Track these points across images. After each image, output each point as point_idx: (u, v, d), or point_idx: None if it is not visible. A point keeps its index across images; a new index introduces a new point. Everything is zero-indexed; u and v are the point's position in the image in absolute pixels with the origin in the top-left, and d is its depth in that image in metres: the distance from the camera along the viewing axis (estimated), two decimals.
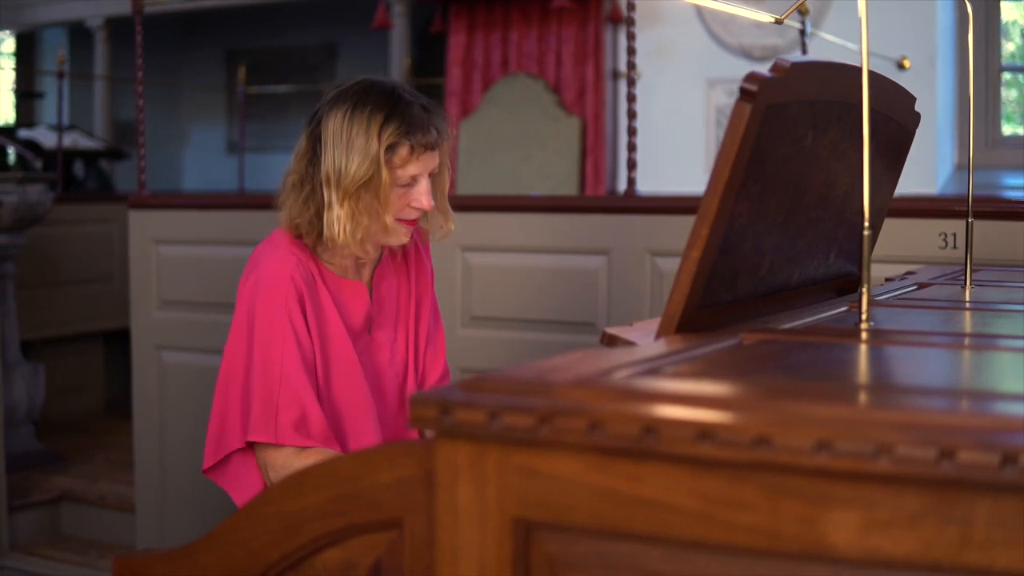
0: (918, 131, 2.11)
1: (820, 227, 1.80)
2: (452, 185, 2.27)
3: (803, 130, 1.59)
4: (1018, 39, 6.38)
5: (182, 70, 9.74)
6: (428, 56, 7.62)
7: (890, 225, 2.40)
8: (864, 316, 1.55)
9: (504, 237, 3.64)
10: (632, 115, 3.67)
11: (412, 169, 2.12)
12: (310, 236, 2.16)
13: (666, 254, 3.41)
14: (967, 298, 2.03)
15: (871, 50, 1.60)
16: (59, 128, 6.83)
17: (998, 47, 6.05)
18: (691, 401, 1.06)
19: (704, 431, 1.01)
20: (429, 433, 1.15)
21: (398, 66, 7.06)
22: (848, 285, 1.99)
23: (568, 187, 6.31)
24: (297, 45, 9.25)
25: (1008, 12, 6.23)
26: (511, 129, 6.43)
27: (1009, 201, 3.87)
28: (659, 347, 1.38)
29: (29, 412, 5.02)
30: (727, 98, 6.12)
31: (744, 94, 1.41)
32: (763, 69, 1.45)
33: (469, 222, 3.45)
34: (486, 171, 6.41)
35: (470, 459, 1.12)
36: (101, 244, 6.14)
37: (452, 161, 2.25)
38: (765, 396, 1.09)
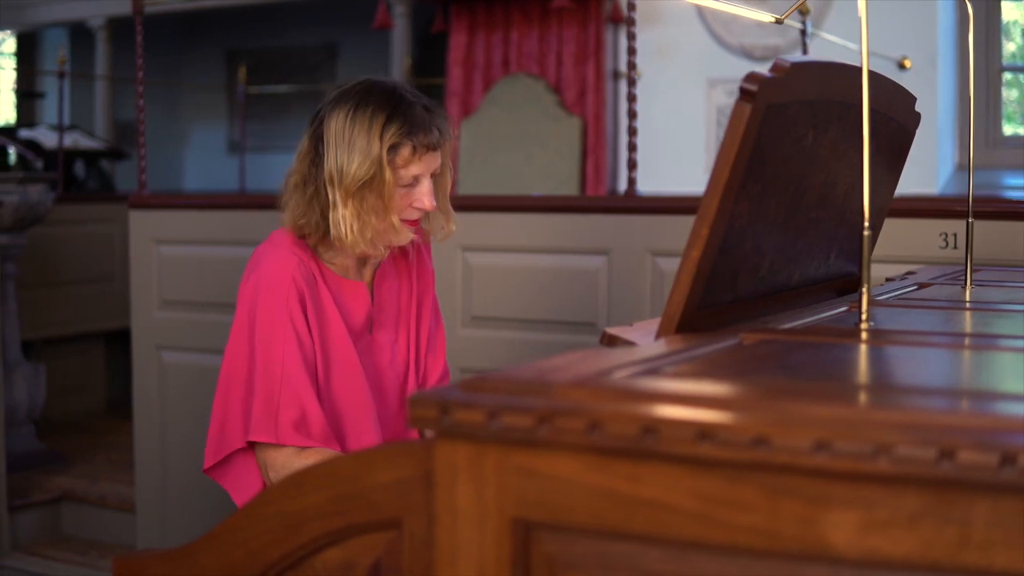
0: (919, 131, 2.11)
1: (820, 227, 1.80)
2: (453, 185, 2.27)
3: (803, 130, 1.59)
4: (1019, 39, 6.37)
5: (183, 70, 9.74)
6: (429, 56, 7.61)
7: (890, 225, 2.40)
8: (864, 316, 1.55)
9: (505, 237, 3.64)
10: (633, 115, 3.67)
11: (414, 169, 2.12)
12: (313, 236, 2.16)
13: (667, 254, 3.41)
14: (967, 298, 2.03)
15: (872, 50, 1.60)
16: (60, 128, 6.83)
17: (999, 47, 6.05)
18: (690, 401, 1.06)
19: (703, 431, 1.01)
20: (429, 433, 1.15)
21: (399, 66, 7.06)
22: (848, 285, 1.99)
23: (569, 187, 6.31)
24: (298, 45, 9.26)
25: (1009, 12, 6.23)
26: (512, 129, 6.43)
27: (1009, 201, 3.87)
28: (659, 347, 1.38)
29: (30, 412, 5.02)
30: (728, 98, 6.12)
31: (744, 94, 1.41)
32: (764, 69, 1.45)
33: (470, 222, 3.45)
34: (487, 171, 6.41)
35: (469, 459, 1.12)
36: (102, 244, 6.14)
37: (453, 161, 2.25)
38: (765, 396, 1.09)
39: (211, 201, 4.32)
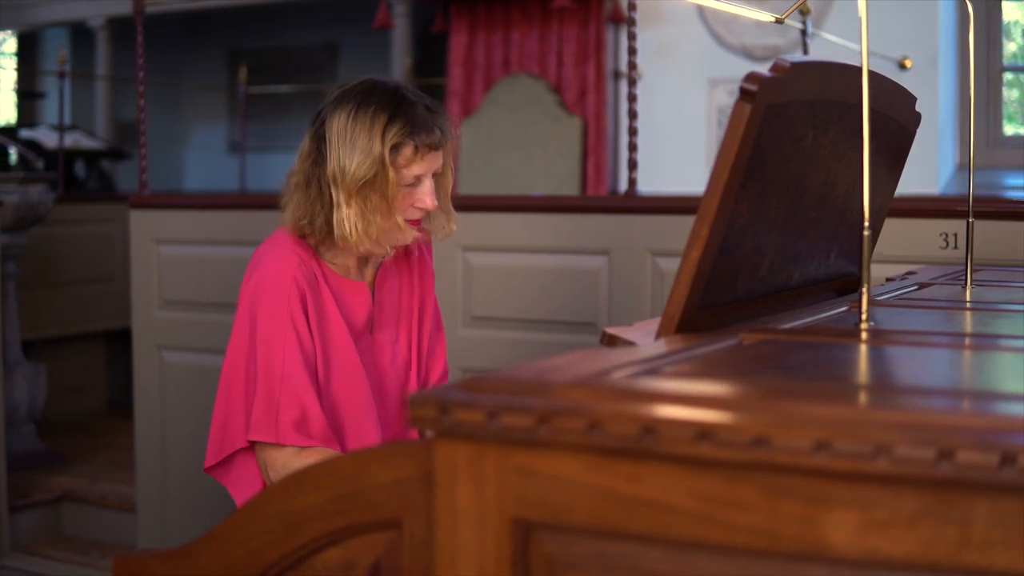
0: (920, 131, 2.11)
1: (820, 227, 1.80)
2: (454, 185, 2.27)
3: (803, 130, 1.59)
4: (1020, 39, 6.37)
5: (184, 70, 9.74)
6: (429, 56, 7.62)
7: (891, 225, 2.40)
8: (864, 316, 1.55)
9: (505, 237, 3.64)
10: (633, 115, 3.67)
11: (416, 169, 2.12)
12: (314, 236, 2.16)
13: (667, 254, 3.41)
14: (967, 298, 2.03)
15: (872, 50, 1.60)
16: (60, 128, 6.83)
17: (1000, 47, 6.05)
18: (690, 401, 1.06)
19: (703, 431, 1.01)
20: (430, 434, 1.15)
21: (399, 66, 7.06)
22: (848, 285, 1.99)
23: (569, 187, 6.31)
24: (299, 45, 9.25)
25: (1010, 12, 6.23)
26: (512, 129, 6.43)
27: (1010, 201, 3.87)
28: (659, 347, 1.38)
29: (30, 412, 5.02)
30: (728, 98, 6.12)
31: (744, 94, 1.41)
32: (764, 69, 1.45)
33: (470, 222, 3.45)
34: (487, 171, 6.41)
35: (469, 459, 1.12)
36: (102, 244, 6.14)
37: (454, 161, 2.25)
38: (764, 396, 1.09)
39: (211, 201, 4.32)
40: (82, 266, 6.06)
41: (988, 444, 0.93)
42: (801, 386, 1.19)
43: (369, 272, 2.26)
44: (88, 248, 6.07)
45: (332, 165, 2.10)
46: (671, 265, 3.34)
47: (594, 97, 6.36)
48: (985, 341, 1.59)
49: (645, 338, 1.61)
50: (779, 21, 2.16)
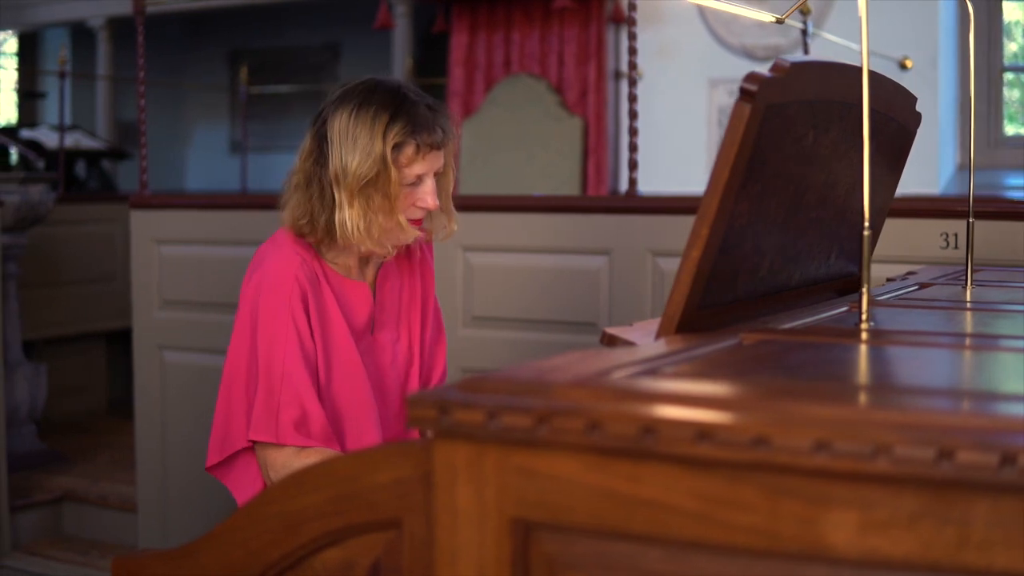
0: (920, 131, 2.11)
1: (821, 227, 1.80)
2: (455, 185, 2.27)
3: (803, 130, 1.59)
4: (1020, 39, 6.37)
5: (185, 70, 9.74)
6: (430, 56, 7.62)
7: (891, 225, 2.40)
8: (864, 316, 1.55)
9: (506, 237, 3.64)
10: (634, 115, 3.67)
11: (417, 168, 2.12)
12: (313, 236, 2.16)
13: (668, 254, 3.41)
14: (968, 298, 2.03)
15: (873, 50, 1.60)
16: (61, 128, 6.83)
17: (1000, 47, 6.04)
18: (690, 401, 1.06)
19: (703, 431, 1.01)
20: (430, 434, 1.15)
21: (400, 66, 7.06)
22: (849, 285, 1.99)
23: (570, 187, 6.31)
24: (300, 45, 9.26)
25: (1010, 12, 6.23)
26: (513, 129, 6.43)
27: (1010, 201, 3.87)
28: (658, 347, 1.38)
29: (31, 412, 5.02)
30: (729, 98, 6.12)
31: (744, 94, 1.41)
32: (765, 69, 1.45)
33: (471, 222, 3.45)
34: (488, 171, 6.41)
35: (469, 459, 1.12)
36: (103, 244, 6.14)
37: (455, 161, 2.25)
38: (764, 396, 1.09)
39: (212, 201, 4.33)
40: (83, 266, 6.06)
41: (988, 444, 0.93)
42: (801, 386, 1.19)
43: (370, 272, 2.26)
44: (89, 248, 6.07)
45: (334, 164, 2.10)
46: (671, 265, 3.34)
47: (595, 97, 6.36)
48: (985, 341, 1.59)
49: (645, 338, 1.61)
50: (779, 21, 2.16)
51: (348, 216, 2.09)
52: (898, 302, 1.94)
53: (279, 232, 2.21)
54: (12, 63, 10.40)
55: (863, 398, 1.16)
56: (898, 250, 3.00)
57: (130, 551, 2.96)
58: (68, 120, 7.64)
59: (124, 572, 1.59)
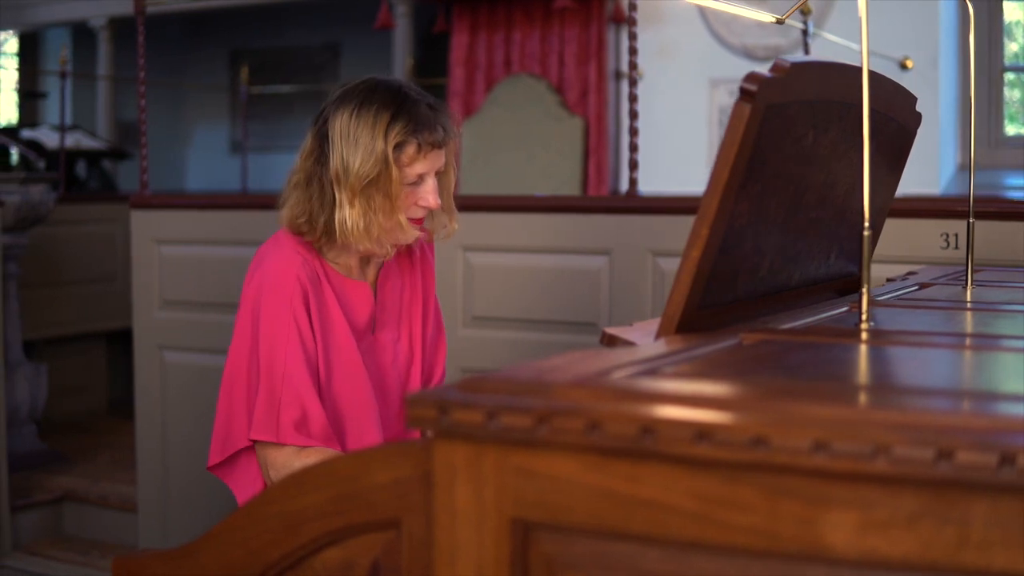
0: (921, 131, 2.11)
1: (821, 227, 1.80)
2: (456, 185, 2.27)
3: (803, 130, 1.59)
4: (1021, 39, 6.37)
5: (186, 70, 9.74)
6: (431, 56, 7.62)
7: (892, 225, 2.40)
8: (864, 316, 1.55)
9: (506, 237, 3.64)
10: (634, 115, 3.67)
11: (419, 167, 2.12)
12: (311, 234, 2.16)
13: (668, 254, 3.41)
14: (968, 298, 2.03)
15: (873, 50, 1.60)
16: (62, 128, 6.83)
17: (1001, 47, 6.04)
18: (689, 401, 1.06)
19: (702, 431, 1.01)
20: (430, 434, 1.15)
21: (401, 66, 7.06)
22: (849, 285, 1.99)
23: (571, 187, 6.31)
24: (300, 45, 9.26)
25: (1011, 12, 6.23)
26: (514, 129, 6.43)
27: (1010, 201, 3.87)
28: (658, 347, 1.38)
29: (32, 412, 5.02)
30: (730, 98, 6.12)
31: (744, 94, 1.41)
32: (765, 69, 1.45)
33: (471, 222, 3.45)
34: (489, 171, 6.41)
35: (468, 459, 1.12)
36: (104, 244, 6.14)
37: (456, 160, 2.25)
38: (763, 396, 1.09)
39: (212, 201, 4.32)
40: (83, 266, 6.06)
41: (987, 444, 0.93)
42: (801, 386, 1.19)
43: (371, 271, 2.27)
44: (89, 248, 6.07)
45: (335, 163, 2.10)
46: (672, 265, 3.34)
47: (595, 97, 6.36)
48: (985, 341, 1.59)
49: (645, 338, 1.61)
50: (780, 21, 2.16)
51: (348, 215, 2.09)
52: (898, 302, 1.94)
53: (280, 232, 2.21)
54: (13, 63, 10.40)
55: (863, 398, 1.16)
56: (898, 250, 3.00)
57: (130, 551, 2.96)
58: (69, 120, 7.64)
59: (124, 572, 1.59)
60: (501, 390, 1.10)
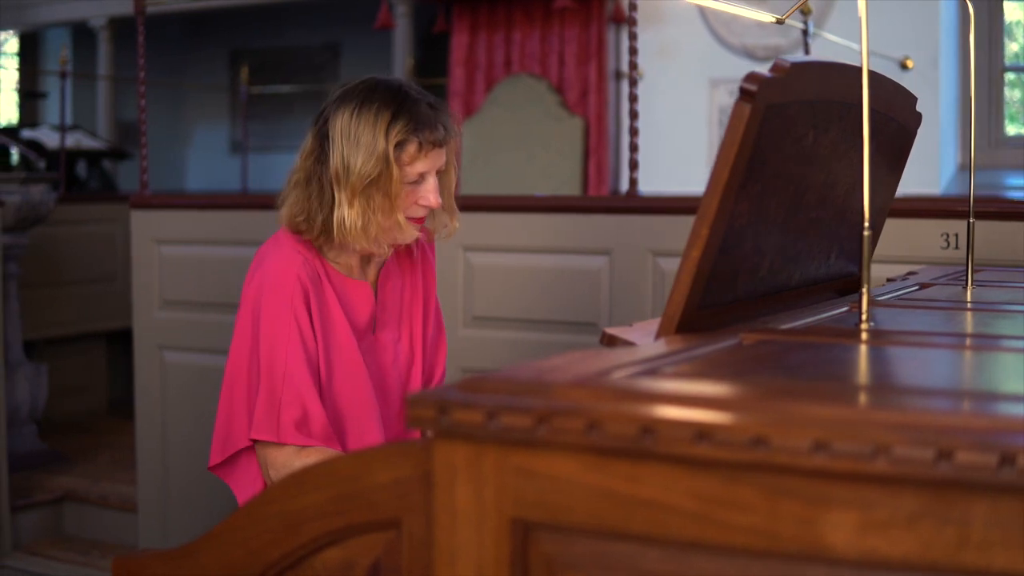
0: (921, 131, 2.11)
1: (821, 227, 1.80)
2: (456, 184, 2.27)
3: (803, 130, 1.59)
4: (1021, 39, 6.37)
5: (186, 70, 9.74)
6: (431, 56, 7.62)
7: (892, 225, 2.40)
8: (864, 316, 1.55)
9: (506, 237, 3.64)
10: (634, 115, 3.67)
11: (420, 166, 2.12)
12: (309, 233, 2.16)
13: (668, 254, 3.41)
14: (968, 298, 2.03)
15: (874, 50, 1.60)
16: (62, 128, 6.83)
17: (1001, 47, 6.04)
18: (689, 401, 1.06)
19: (702, 431, 1.01)
20: (431, 433, 1.15)
21: (401, 66, 7.06)
22: (849, 285, 1.99)
23: (571, 187, 6.31)
24: (300, 45, 9.26)
25: (1011, 12, 6.23)
26: (514, 129, 6.43)
27: (1010, 201, 3.87)
28: (658, 347, 1.38)
29: (32, 412, 5.02)
30: (730, 98, 6.12)
31: (744, 94, 1.41)
32: (765, 69, 1.45)
33: (472, 222, 3.44)
34: (489, 171, 6.41)
35: (468, 459, 1.12)
36: (104, 244, 6.14)
37: (457, 160, 2.25)
38: (763, 396, 1.09)
39: (212, 201, 4.33)
40: (83, 266, 6.06)
41: (987, 444, 0.93)
42: (801, 386, 1.19)
43: (372, 271, 2.26)
44: (89, 248, 6.07)
45: (335, 163, 2.10)
46: (672, 265, 3.34)
47: (595, 97, 6.36)
48: (986, 342, 1.59)
49: (645, 338, 1.61)
50: (780, 22, 2.16)
51: (347, 215, 2.09)
52: (898, 302, 1.94)
53: (280, 232, 2.21)
54: (13, 63, 10.40)
55: (863, 398, 1.16)
56: (898, 250, 3.00)
57: (130, 551, 2.96)
58: (69, 120, 7.64)
59: (124, 572, 1.59)
60: (501, 390, 1.10)
